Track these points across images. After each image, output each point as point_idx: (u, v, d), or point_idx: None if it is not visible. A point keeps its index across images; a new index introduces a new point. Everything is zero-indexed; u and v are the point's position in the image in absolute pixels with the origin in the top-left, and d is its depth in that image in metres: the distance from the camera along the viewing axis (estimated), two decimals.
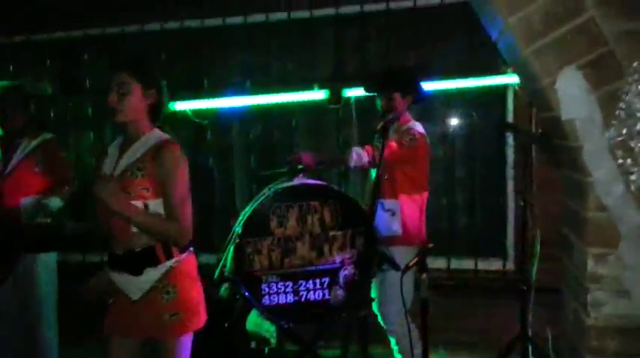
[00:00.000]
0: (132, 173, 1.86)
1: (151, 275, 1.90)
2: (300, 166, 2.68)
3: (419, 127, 2.67)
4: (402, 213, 2.62)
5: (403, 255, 2.46)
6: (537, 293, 2.88)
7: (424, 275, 1.94)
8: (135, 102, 1.87)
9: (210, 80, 4.30)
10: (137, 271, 1.89)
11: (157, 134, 1.94)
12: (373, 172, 2.85)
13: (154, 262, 1.90)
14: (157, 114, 1.96)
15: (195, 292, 1.99)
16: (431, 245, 2.08)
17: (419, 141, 2.61)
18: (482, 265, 3.92)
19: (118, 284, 1.94)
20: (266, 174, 2.98)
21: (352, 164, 2.64)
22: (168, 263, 1.92)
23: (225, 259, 2.52)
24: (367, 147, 2.76)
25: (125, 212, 1.80)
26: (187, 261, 1.98)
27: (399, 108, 2.63)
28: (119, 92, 1.84)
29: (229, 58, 4.34)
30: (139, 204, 1.85)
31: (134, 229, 1.87)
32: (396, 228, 2.61)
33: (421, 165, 2.68)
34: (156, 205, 1.89)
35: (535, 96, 1.47)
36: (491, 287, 3.84)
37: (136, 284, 1.90)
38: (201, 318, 1.99)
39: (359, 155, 2.63)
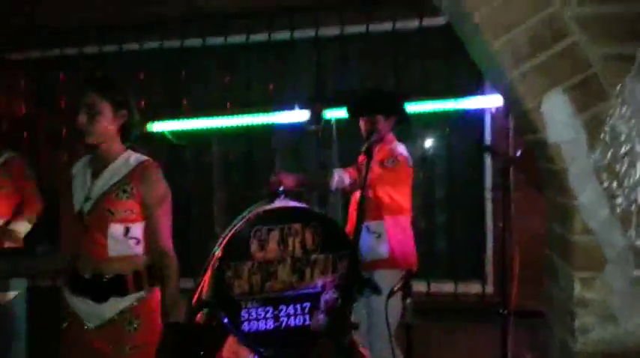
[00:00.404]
0: (117, 194, 1.80)
1: (117, 304, 1.82)
2: (280, 189, 2.63)
3: (402, 149, 2.66)
4: (388, 235, 2.58)
5: (389, 278, 2.41)
6: (517, 317, 2.86)
7: (408, 301, 1.90)
8: (105, 123, 1.81)
9: (190, 101, 4.25)
10: (102, 298, 1.80)
11: (135, 155, 1.89)
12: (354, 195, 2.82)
13: (123, 291, 1.81)
14: (129, 135, 1.90)
15: (158, 327, 1.91)
16: (415, 269, 2.05)
17: (401, 163, 2.60)
18: (462, 288, 3.90)
19: (76, 309, 1.84)
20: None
21: (334, 186, 2.60)
22: (137, 294, 1.84)
23: (204, 283, 2.44)
24: (349, 168, 2.73)
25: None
26: (155, 295, 1.91)
27: (382, 130, 2.62)
28: (89, 113, 1.78)
29: (209, 78, 4.31)
30: (120, 227, 1.77)
31: (111, 254, 1.79)
32: (383, 250, 2.57)
33: (403, 188, 2.67)
34: (136, 228, 1.83)
35: (520, 119, 1.46)
36: (471, 310, 3.82)
37: (97, 312, 1.82)
38: (154, 353, 1.90)
39: (340, 177, 2.59)
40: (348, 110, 2.86)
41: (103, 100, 1.80)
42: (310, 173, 3.93)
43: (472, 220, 4.07)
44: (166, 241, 1.87)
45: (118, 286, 1.81)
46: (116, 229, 1.79)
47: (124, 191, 1.81)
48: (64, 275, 1.91)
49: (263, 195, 2.78)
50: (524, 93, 1.30)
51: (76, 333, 1.84)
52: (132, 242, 1.83)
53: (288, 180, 2.63)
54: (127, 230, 1.81)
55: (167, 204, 1.87)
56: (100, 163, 1.87)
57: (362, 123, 2.72)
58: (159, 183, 1.86)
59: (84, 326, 1.82)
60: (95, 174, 1.86)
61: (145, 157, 1.90)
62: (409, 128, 3.94)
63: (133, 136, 1.92)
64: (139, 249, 1.86)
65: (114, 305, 1.81)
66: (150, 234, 1.86)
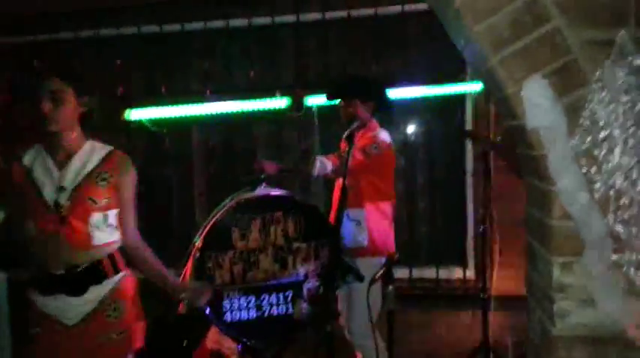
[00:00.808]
0: (97, 183, 1.77)
1: (96, 293, 1.77)
2: (262, 176, 2.60)
3: (385, 136, 2.64)
4: (367, 222, 2.57)
5: (369, 266, 2.40)
6: (497, 301, 2.89)
7: (390, 287, 1.90)
8: (70, 110, 1.76)
9: (169, 87, 4.17)
10: (80, 291, 1.75)
11: (98, 143, 1.87)
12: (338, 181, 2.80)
13: (100, 278, 1.78)
14: (88, 123, 1.86)
15: (140, 308, 1.91)
16: (397, 256, 2.05)
17: (384, 150, 2.57)
18: (444, 274, 3.94)
19: (50, 310, 1.76)
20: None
21: (315, 173, 2.57)
22: (116, 277, 1.81)
23: (185, 274, 2.41)
24: (331, 155, 2.70)
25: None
26: (130, 276, 1.89)
27: (361, 115, 2.59)
28: (53, 99, 1.72)
29: (188, 64, 4.23)
30: (100, 215, 1.77)
31: (95, 242, 1.76)
32: (362, 238, 2.56)
33: (386, 174, 2.65)
34: (112, 214, 1.82)
35: (500, 104, 1.45)
36: (453, 296, 3.87)
37: (75, 307, 1.76)
38: (139, 338, 1.88)
39: (323, 163, 2.56)
40: (326, 94, 2.85)
41: (67, 87, 1.74)
42: (292, 160, 3.91)
43: (453, 206, 4.10)
44: (134, 221, 1.92)
45: (94, 273, 1.78)
46: (98, 217, 1.77)
47: (103, 179, 1.78)
48: (24, 277, 1.84)
49: (244, 182, 2.75)
50: (505, 78, 1.29)
51: (54, 335, 1.76)
52: (111, 228, 1.82)
53: (270, 168, 2.61)
54: (106, 217, 1.79)
55: (134, 188, 1.91)
56: (60, 152, 1.80)
57: (340, 109, 2.70)
58: (132, 170, 1.88)
59: (62, 326, 1.76)
60: (60, 165, 1.80)
61: (109, 146, 1.88)
62: (390, 114, 3.95)
63: (90, 125, 1.87)
64: (117, 235, 1.85)
65: (93, 295, 1.77)
66: (124, 218, 1.87)
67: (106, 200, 1.78)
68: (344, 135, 2.33)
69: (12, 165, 1.81)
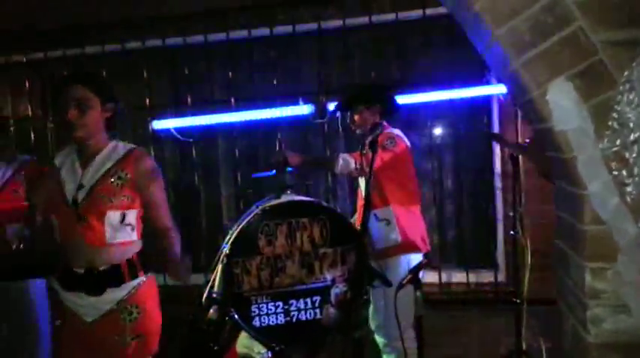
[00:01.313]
0: (112, 181, 1.83)
1: (113, 295, 1.83)
2: (286, 169, 2.60)
3: (398, 131, 2.66)
4: (397, 219, 2.55)
5: (407, 263, 2.38)
6: (530, 305, 2.84)
7: (418, 293, 1.89)
8: (96, 116, 1.83)
9: (194, 97, 4.25)
10: (98, 291, 1.82)
11: (121, 144, 1.93)
12: (361, 184, 2.81)
13: (119, 281, 1.84)
14: (113, 127, 1.93)
15: (159, 315, 1.94)
16: (427, 259, 2.04)
17: (398, 142, 2.56)
18: (474, 278, 3.88)
19: (71, 305, 1.85)
20: (255, 177, 2.95)
21: (338, 169, 2.55)
22: (134, 282, 1.86)
23: (214, 280, 2.45)
24: (355, 154, 2.69)
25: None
26: (151, 281, 1.93)
27: (369, 120, 2.62)
28: (79, 107, 1.79)
29: (212, 75, 4.30)
30: (117, 213, 1.81)
31: (109, 241, 1.81)
32: (395, 236, 2.53)
33: (404, 168, 2.62)
34: (131, 214, 1.86)
35: (525, 108, 1.43)
36: (484, 300, 3.81)
37: (94, 305, 1.83)
38: (157, 343, 1.92)
39: (346, 161, 2.54)
40: (337, 106, 2.94)
41: (92, 94, 1.82)
42: (315, 154, 3.92)
43: (482, 208, 4.05)
44: (167, 217, 1.92)
45: (113, 276, 1.83)
46: (114, 215, 1.82)
47: (119, 177, 1.84)
48: (51, 272, 1.92)
49: (269, 187, 2.75)
50: (529, 81, 1.27)
51: (74, 329, 1.85)
52: (128, 228, 1.86)
53: (293, 159, 2.57)
54: (124, 216, 1.83)
55: (160, 183, 1.92)
56: (87, 154, 1.88)
57: (350, 119, 2.75)
58: (150, 165, 1.91)
59: (81, 321, 1.83)
60: (84, 165, 1.87)
61: (132, 146, 1.94)
62: (417, 118, 3.93)
63: (115, 127, 1.95)
64: (135, 236, 1.89)
65: (111, 297, 1.83)
66: (150, 213, 1.90)
67: (124, 198, 1.83)
68: (367, 141, 2.31)
69: (47, 165, 1.92)
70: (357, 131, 2.72)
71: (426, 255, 2.20)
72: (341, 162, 2.53)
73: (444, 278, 3.91)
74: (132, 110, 4.07)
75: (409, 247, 2.55)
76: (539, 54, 1.25)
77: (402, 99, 3.67)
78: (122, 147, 1.92)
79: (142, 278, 1.88)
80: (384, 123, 2.68)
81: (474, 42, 1.47)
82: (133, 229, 1.88)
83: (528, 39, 1.25)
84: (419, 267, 2.00)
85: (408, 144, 2.70)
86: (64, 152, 1.94)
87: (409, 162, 2.69)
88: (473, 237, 4.11)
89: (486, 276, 3.91)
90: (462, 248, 4.07)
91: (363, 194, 2.79)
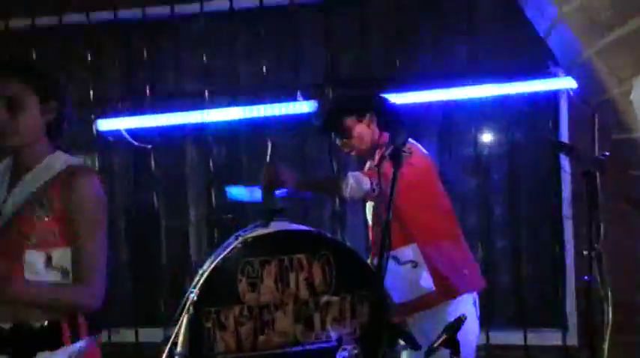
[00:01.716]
0: (32, 211, 1.83)
1: None
2: (278, 191, 2.63)
3: (412, 141, 2.72)
4: (427, 258, 2.57)
5: (453, 313, 2.38)
6: None
7: None
8: (31, 119, 1.85)
9: (155, 89, 4.31)
10: (27, 355, 1.83)
11: (62, 158, 1.92)
12: (369, 212, 2.85)
13: (55, 344, 1.85)
14: (58, 133, 1.95)
15: None
16: (465, 315, 2.06)
17: (414, 151, 2.58)
18: (534, 340, 3.90)
19: None
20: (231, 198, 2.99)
21: (347, 192, 2.57)
22: (75, 346, 1.87)
23: (176, 336, 2.47)
24: (369, 171, 2.71)
25: (24, 295, 1.79)
26: (94, 345, 1.94)
27: (366, 133, 2.71)
28: (10, 107, 1.83)
29: (181, 59, 4.37)
30: (36, 255, 1.81)
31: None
32: (426, 282, 2.56)
33: (428, 185, 2.65)
34: (62, 256, 1.85)
35: (603, 110, 1.47)
36: None
37: None
38: None
39: (357, 180, 2.54)
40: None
41: (27, 90, 1.84)
42: (318, 174, 3.95)
43: (545, 246, 4.07)
44: (94, 274, 1.86)
45: (50, 336, 1.84)
46: (34, 258, 1.82)
47: (41, 205, 1.83)
48: None
49: (255, 210, 2.78)
50: (606, 75, 1.31)
51: None
52: (58, 273, 1.86)
53: (288, 177, 2.59)
54: (49, 258, 1.83)
55: (98, 222, 1.88)
56: (21, 168, 1.90)
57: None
58: (89, 193, 1.87)
59: None
60: (13, 184, 1.89)
61: (75, 160, 1.93)
62: (455, 123, 3.97)
63: (62, 135, 1.96)
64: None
65: None
66: (78, 268, 1.86)
67: (47, 235, 1.82)
68: (387, 153, 2.33)
69: None
70: (353, 153, 2.80)
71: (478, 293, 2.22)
72: (351, 182, 2.53)
73: (494, 339, 3.91)
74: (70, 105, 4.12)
75: (453, 290, 2.57)
76: (621, 39, 1.28)
77: (435, 95, 3.74)
78: (61, 161, 1.91)
79: (84, 342, 1.89)
80: (385, 134, 2.75)
81: (534, 21, 1.52)
82: (67, 274, 1.87)
83: (606, 19, 1.28)
84: (457, 322, 2.02)
85: (425, 152, 2.74)
86: (3, 164, 1.97)
87: (433, 176, 2.73)
88: (533, 284, 4.12)
89: (552, 338, 3.92)
90: (518, 299, 4.08)
91: (371, 223, 2.81)
